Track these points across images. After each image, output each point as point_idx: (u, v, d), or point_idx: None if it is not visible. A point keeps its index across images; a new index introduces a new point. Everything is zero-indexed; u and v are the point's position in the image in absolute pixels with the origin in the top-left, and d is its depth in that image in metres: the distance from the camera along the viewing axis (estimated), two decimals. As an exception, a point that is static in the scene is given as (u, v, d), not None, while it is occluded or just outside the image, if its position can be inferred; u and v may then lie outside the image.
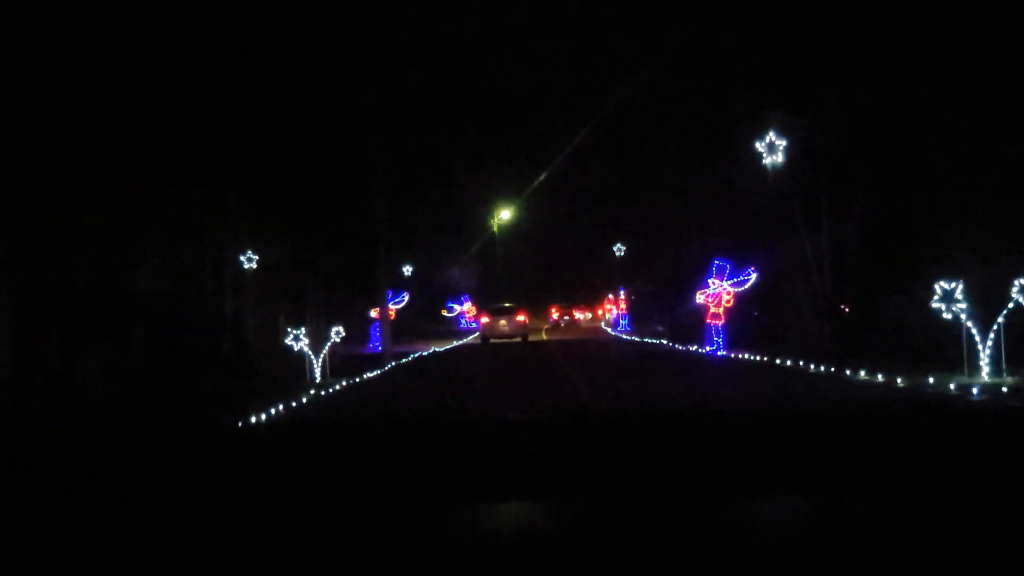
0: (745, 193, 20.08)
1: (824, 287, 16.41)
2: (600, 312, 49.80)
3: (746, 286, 19.06)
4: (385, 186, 21.88)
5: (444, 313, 49.42)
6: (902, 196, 14.10)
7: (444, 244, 47.57)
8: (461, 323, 48.99)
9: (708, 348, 19.37)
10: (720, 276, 19.22)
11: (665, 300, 28.70)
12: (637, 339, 28.05)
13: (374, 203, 21.31)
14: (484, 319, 29.56)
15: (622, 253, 35.14)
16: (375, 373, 16.48)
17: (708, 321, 19.42)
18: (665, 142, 24.87)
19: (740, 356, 16.84)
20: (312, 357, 15.78)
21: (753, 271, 18.87)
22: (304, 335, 15.82)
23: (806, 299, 16.71)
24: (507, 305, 30.73)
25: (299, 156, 22.84)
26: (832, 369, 12.33)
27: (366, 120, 22.48)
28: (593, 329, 43.19)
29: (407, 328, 38.16)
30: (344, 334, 17.14)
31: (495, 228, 55.15)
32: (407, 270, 42.28)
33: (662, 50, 22.02)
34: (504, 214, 53.99)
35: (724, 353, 18.25)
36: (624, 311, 38.67)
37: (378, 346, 26.70)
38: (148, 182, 17.99)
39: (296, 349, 15.80)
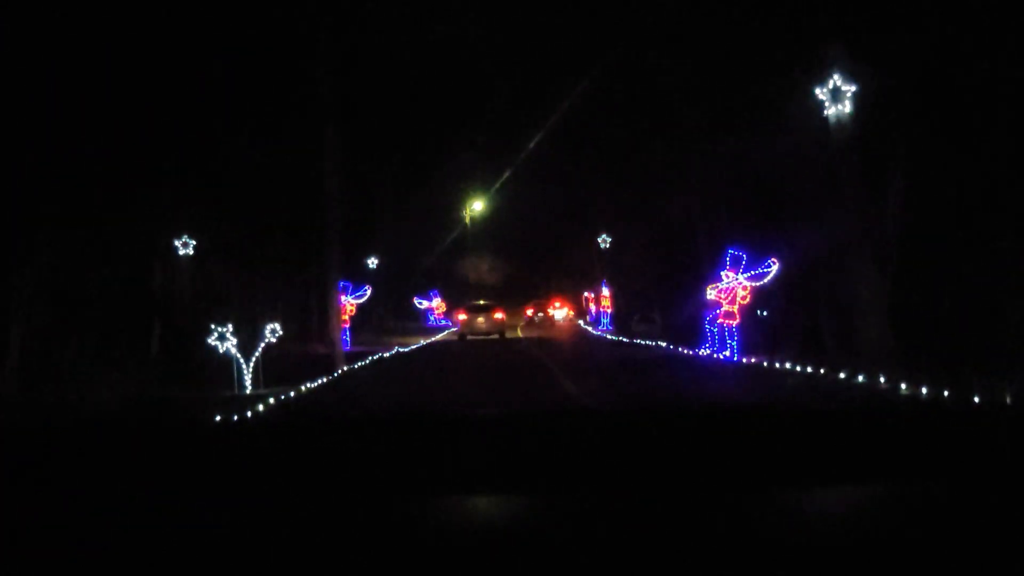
0: (762, 169, 17.18)
1: (883, 277, 13.51)
2: (580, 308, 46.99)
3: (766, 279, 16.20)
4: (338, 165, 18.69)
5: (412, 309, 46.20)
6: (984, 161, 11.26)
7: (413, 236, 44.55)
8: (430, 319, 45.78)
9: (722, 353, 16.45)
10: (735, 268, 16.33)
11: (659, 296, 25.78)
12: (625, 340, 25.11)
13: (324, 183, 18.13)
14: (462, 316, 30.54)
15: (607, 244, 32.09)
16: (319, 382, 13.36)
17: (721, 321, 16.50)
18: (659, 117, 21.97)
19: (774, 366, 13.77)
20: (242, 361, 12.66)
21: (774, 261, 16.01)
22: (232, 333, 12.69)
23: (860, 289, 13.69)
24: (484, 303, 31.75)
25: (249, 133, 19.67)
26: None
27: (321, 96, 19.44)
28: (573, 328, 40.21)
29: (371, 325, 35.12)
30: (295, 331, 14.15)
31: (467, 220, 52.12)
32: (372, 262, 39.49)
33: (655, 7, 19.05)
34: (477, 205, 51.01)
35: (748, 360, 15.32)
36: (606, 308, 35.79)
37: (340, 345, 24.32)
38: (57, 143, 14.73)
39: (222, 351, 12.69)
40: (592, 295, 42.26)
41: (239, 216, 20.72)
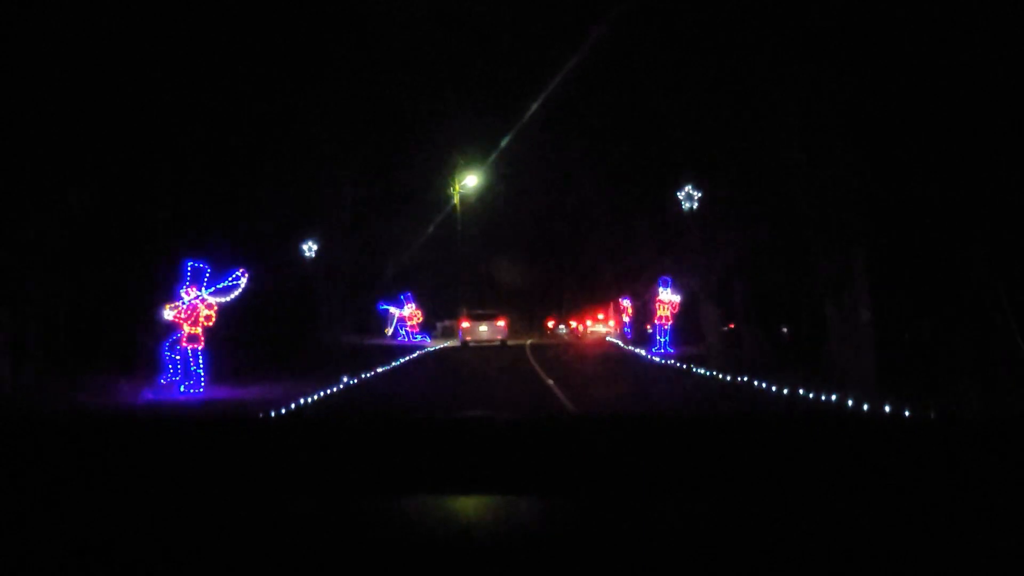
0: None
1: None
2: (617, 319, 34.24)
3: None
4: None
5: (378, 317, 33.17)
6: None
7: (383, 222, 32.04)
8: (399, 335, 32.65)
9: None
10: None
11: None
12: (763, 386, 11.95)
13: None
14: (465, 323, 30.84)
15: (695, 204, 18.73)
16: None
17: None
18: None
19: None
20: None
21: None
22: None
23: None
24: (486, 311, 31.69)
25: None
26: None
27: None
28: (616, 352, 26.63)
29: (325, 341, 22.66)
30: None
31: (456, 202, 38.91)
32: (310, 249, 27.11)
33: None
34: (470, 179, 37.98)
35: None
36: (665, 320, 22.87)
37: (185, 382, 13.66)
38: None
39: None
40: (629, 304, 29.64)
41: None
